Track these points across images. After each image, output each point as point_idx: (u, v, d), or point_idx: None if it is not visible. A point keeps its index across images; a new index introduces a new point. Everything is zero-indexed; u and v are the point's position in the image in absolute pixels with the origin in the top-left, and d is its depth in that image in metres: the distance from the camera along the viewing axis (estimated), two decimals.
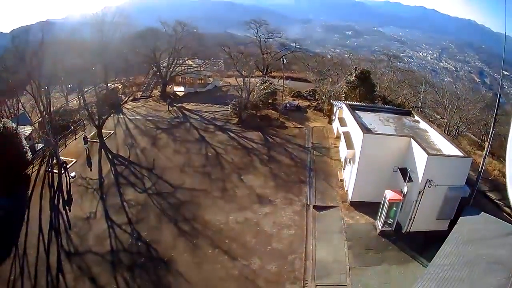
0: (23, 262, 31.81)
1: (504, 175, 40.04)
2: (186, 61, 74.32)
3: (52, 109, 54.71)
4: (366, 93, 61.76)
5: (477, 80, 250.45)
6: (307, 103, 67.13)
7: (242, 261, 31.70)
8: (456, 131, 58.97)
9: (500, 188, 39.39)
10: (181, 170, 45.17)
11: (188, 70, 73.26)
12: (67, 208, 39.01)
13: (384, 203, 31.99)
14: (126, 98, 65.49)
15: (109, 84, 66.88)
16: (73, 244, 33.88)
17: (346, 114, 44.71)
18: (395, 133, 37.63)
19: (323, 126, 57.77)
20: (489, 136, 32.48)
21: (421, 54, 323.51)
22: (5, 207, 38.58)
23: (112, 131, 55.62)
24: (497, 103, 34.32)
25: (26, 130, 51.24)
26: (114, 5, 75.47)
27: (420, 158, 30.48)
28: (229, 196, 40.28)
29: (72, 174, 44.47)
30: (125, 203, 39.36)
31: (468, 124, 61.51)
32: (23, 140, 46.69)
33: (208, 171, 44.97)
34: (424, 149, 30.36)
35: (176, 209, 38.35)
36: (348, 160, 39.71)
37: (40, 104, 46.54)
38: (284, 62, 67.27)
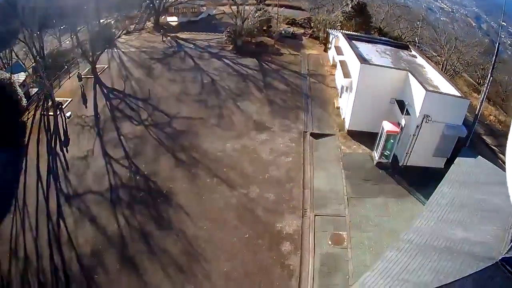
0: (23, 214, 29.69)
1: (500, 122, 42.48)
2: None
3: (45, 52, 52.75)
4: (362, 23, 58.94)
5: (474, 24, 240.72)
6: (302, 31, 63.69)
7: (241, 189, 30.25)
8: (453, 70, 55.88)
9: (496, 134, 39.00)
10: (177, 99, 42.80)
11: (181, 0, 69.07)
12: (65, 149, 36.67)
13: (381, 134, 31.06)
14: (120, 32, 62.54)
15: (101, 21, 62.64)
16: (72, 186, 31.98)
17: (343, 43, 42.57)
18: (391, 65, 36.05)
19: (318, 53, 54.70)
20: (487, 81, 30.79)
21: None
22: (2, 159, 36.13)
23: (106, 66, 52.48)
24: (496, 50, 32.58)
25: (20, 77, 48.61)
26: None
27: (417, 93, 29.28)
28: (226, 124, 38.25)
29: (68, 113, 42.08)
30: (122, 137, 37.23)
31: (465, 66, 58.54)
32: (18, 88, 43.87)
33: (204, 98, 42.65)
34: (421, 84, 29.04)
35: (173, 139, 36.43)
36: (344, 88, 37.89)
37: (34, 49, 44.45)
38: None
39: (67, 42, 62.59)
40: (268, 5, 68.07)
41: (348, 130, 36.07)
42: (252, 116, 39.15)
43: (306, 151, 34.33)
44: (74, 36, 52.61)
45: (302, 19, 67.34)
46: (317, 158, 33.57)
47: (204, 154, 34.19)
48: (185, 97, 43.21)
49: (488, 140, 37.61)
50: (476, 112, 31.16)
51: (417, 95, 29.07)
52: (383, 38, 53.20)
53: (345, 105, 37.57)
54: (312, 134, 36.40)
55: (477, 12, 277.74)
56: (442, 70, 49.77)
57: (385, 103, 32.96)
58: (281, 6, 66.33)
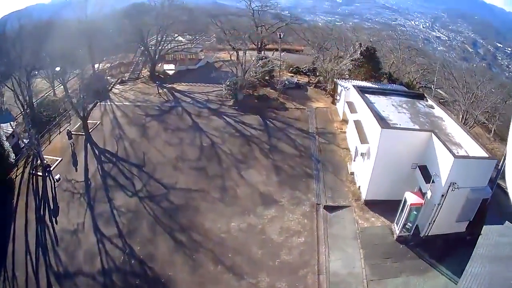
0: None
1: None
2: (176, 38, 68.92)
3: (34, 101, 52.95)
4: (372, 70, 57.59)
5: (471, 50, 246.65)
6: (306, 79, 61.95)
7: (249, 279, 27.75)
8: (474, 121, 53.90)
9: None
10: (174, 166, 40.36)
11: (178, 47, 67.80)
12: (54, 219, 34.75)
13: (404, 207, 28.96)
14: (114, 83, 61.58)
15: (96, 66, 62.79)
16: (62, 263, 30.14)
17: (356, 98, 40.24)
18: (411, 122, 34.14)
19: (326, 106, 52.48)
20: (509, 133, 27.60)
21: (413, 22, 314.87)
22: None
23: (99, 121, 50.45)
24: None
25: (7, 129, 47.39)
26: None
27: (444, 159, 27.22)
28: (229, 197, 35.77)
29: (57, 176, 39.87)
30: (114, 211, 34.91)
31: (485, 113, 56.50)
32: (4, 142, 42.47)
33: (203, 165, 40.31)
34: (448, 149, 27.05)
35: (171, 216, 33.87)
36: (359, 152, 35.38)
37: (21, 97, 44.60)
38: (281, 36, 61.08)
39: (61, 89, 60.76)
40: (269, 50, 66.92)
41: (365, 200, 33.90)
42: (258, 187, 36.71)
43: (320, 229, 31.82)
44: (64, 85, 49.36)
45: (305, 66, 65.34)
46: (332, 236, 31.07)
47: (206, 235, 31.54)
48: (182, 163, 40.86)
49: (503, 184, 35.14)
50: (499, 167, 29.11)
51: (444, 161, 27.14)
52: (397, 87, 51.15)
53: (361, 171, 35.41)
54: (325, 207, 34.03)
55: (474, 37, 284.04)
56: (461, 120, 48.48)
57: (406, 169, 30.96)
58: (282, 51, 64.74)
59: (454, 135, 31.76)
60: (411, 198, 28.19)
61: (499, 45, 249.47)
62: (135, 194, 36.75)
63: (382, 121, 32.26)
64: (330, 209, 33.85)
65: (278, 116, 49.44)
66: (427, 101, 39.78)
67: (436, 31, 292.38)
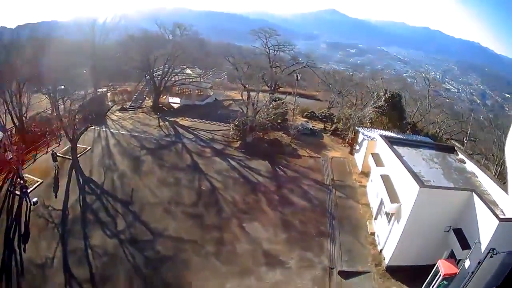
0: None
1: None
2: (185, 70, 67.38)
3: (26, 114, 50.90)
4: (396, 119, 54.89)
5: (479, 101, 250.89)
6: (322, 126, 59.10)
7: None
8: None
9: None
10: (166, 209, 36.18)
11: (186, 80, 65.80)
12: (22, 246, 31.28)
13: (436, 278, 25.30)
14: (110, 107, 60.32)
15: (98, 90, 62.64)
16: None
17: (383, 149, 37.07)
18: (444, 179, 31.54)
19: (343, 156, 48.60)
20: None
21: (423, 75, 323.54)
22: None
23: (89, 147, 47.40)
24: None
25: None
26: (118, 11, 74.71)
27: (485, 222, 24.38)
28: (226, 253, 31.10)
29: (34, 199, 36.80)
30: (89, 250, 30.81)
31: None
32: None
33: (200, 213, 36.02)
34: (492, 211, 24.13)
35: (154, 268, 29.31)
36: (384, 212, 31.85)
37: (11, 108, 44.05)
38: (298, 78, 59.49)
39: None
40: (282, 93, 64.52)
41: (387, 266, 29.78)
42: (262, 244, 32.05)
43: None
44: (58, 104, 47.88)
45: (322, 112, 63.05)
46: None
47: None
48: (176, 207, 36.66)
49: None
50: None
51: (485, 224, 24.33)
52: (424, 139, 48.23)
53: (384, 232, 31.54)
54: (340, 272, 29.56)
55: (483, 89, 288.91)
56: (494, 175, 45.57)
57: (438, 232, 27.78)
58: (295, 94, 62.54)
59: (489, 192, 29.41)
60: (444, 267, 24.80)
61: (507, 95, 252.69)
62: (115, 235, 32.70)
63: (418, 178, 28.76)
64: (346, 274, 29.44)
65: (289, 163, 45.57)
66: (457, 155, 37.47)
67: (446, 83, 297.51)
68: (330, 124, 59.09)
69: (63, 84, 48.93)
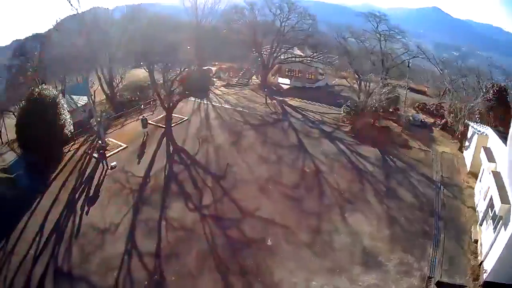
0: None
1: None
2: (294, 51, 63.17)
3: (119, 82, 52.74)
4: (504, 114, 46.37)
5: None
6: (432, 120, 52.57)
7: None
8: None
9: None
10: (262, 188, 31.94)
11: (295, 59, 61.19)
12: (86, 209, 29.50)
13: None
14: (214, 83, 60.10)
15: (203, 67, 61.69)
16: (70, 262, 24.33)
17: (496, 146, 32.22)
18: None
19: (452, 153, 41.64)
20: None
21: None
22: (20, 188, 32.23)
23: (186, 118, 44.93)
24: None
25: (80, 101, 46.93)
26: None
27: None
28: (321, 245, 25.85)
29: (113, 163, 35.49)
30: (163, 222, 27.59)
31: None
32: (63, 111, 37.96)
33: (299, 196, 31.15)
34: None
35: (234, 251, 24.70)
36: (491, 217, 26.19)
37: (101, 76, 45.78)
38: (409, 65, 54.78)
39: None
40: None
41: (485, 282, 23.80)
42: (363, 239, 26.54)
43: None
44: (151, 72, 46.56)
45: (433, 104, 57.12)
46: None
47: None
48: (273, 187, 32.30)
49: None
50: None
51: None
52: None
53: (488, 240, 25.30)
54: (438, 284, 23.72)
55: None
56: None
57: None
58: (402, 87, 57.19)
59: None
60: None
61: None
62: (198, 209, 29.32)
63: None
64: (441, 285, 23.83)
65: (400, 154, 39.52)
66: None
67: None
68: (440, 117, 52.85)
69: (167, 60, 46.85)
